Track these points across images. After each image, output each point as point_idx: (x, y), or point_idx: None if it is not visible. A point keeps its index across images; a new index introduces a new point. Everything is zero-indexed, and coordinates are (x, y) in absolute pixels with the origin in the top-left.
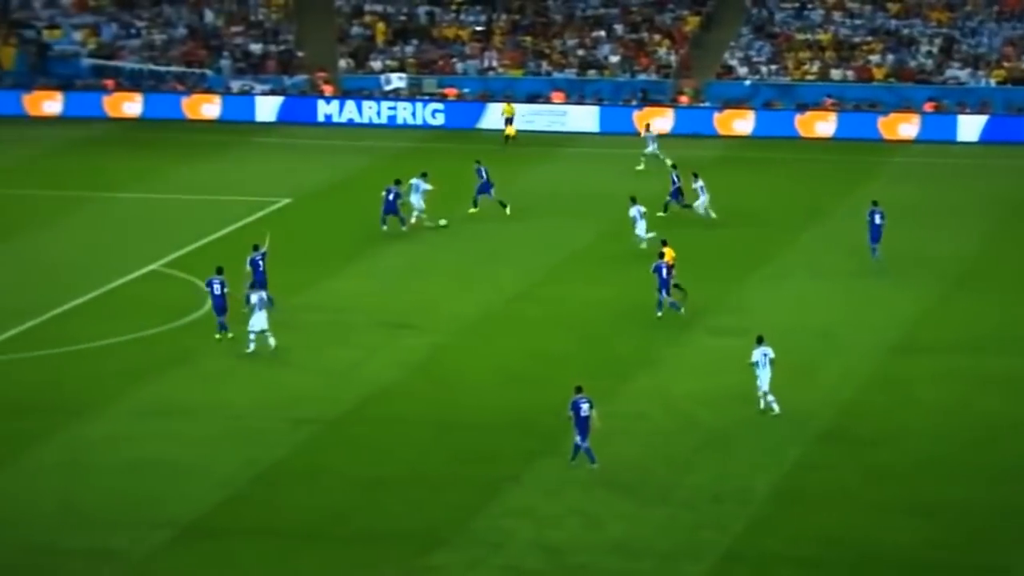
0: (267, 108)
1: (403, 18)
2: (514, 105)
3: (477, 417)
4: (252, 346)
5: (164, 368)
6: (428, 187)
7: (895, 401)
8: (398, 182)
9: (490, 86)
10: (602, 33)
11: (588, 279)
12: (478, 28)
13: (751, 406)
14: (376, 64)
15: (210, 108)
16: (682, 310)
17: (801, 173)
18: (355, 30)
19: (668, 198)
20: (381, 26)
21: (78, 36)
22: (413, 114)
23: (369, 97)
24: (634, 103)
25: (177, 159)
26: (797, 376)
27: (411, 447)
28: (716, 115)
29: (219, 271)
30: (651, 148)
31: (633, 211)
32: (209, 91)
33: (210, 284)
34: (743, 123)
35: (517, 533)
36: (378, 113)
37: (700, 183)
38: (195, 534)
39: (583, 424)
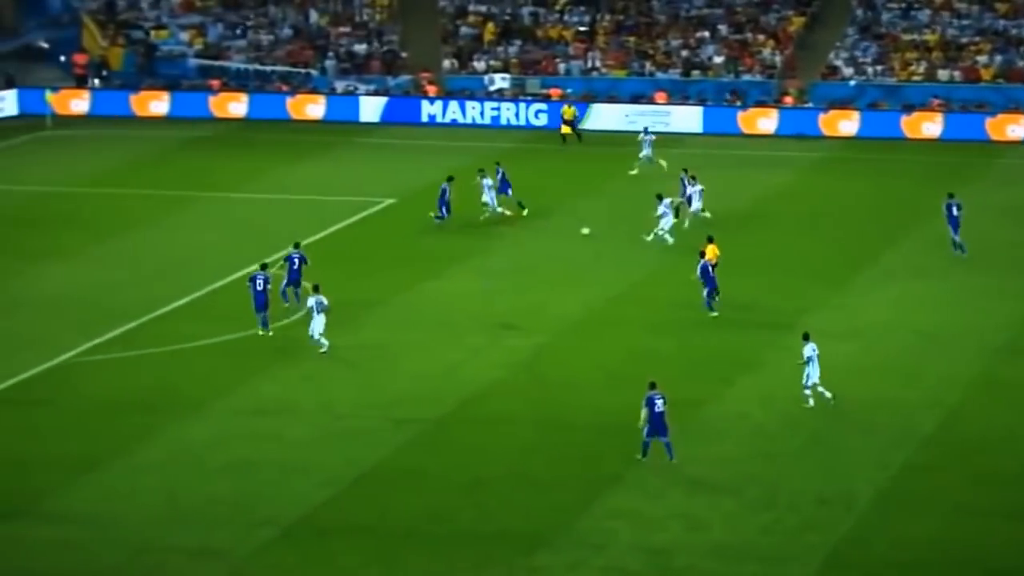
0: (371, 108)
1: (507, 18)
2: (574, 107)
3: (579, 417)
4: (325, 346)
5: (268, 368)
6: (491, 182)
7: (1001, 404)
8: (451, 179)
9: (593, 86)
10: (706, 34)
11: (693, 280)
12: (582, 28)
13: (856, 408)
14: (480, 65)
15: (315, 108)
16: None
17: (907, 174)
18: (459, 31)
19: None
20: (491, 26)
21: (185, 37)
22: (516, 115)
23: (472, 98)
24: (738, 104)
25: (281, 159)
26: (902, 378)
27: (513, 447)
28: (821, 116)
29: (263, 267)
30: (646, 152)
31: (661, 207)
32: (314, 91)
33: (253, 280)
34: (848, 124)
35: (619, 534)
36: (481, 114)
37: (698, 187)
38: (298, 533)
39: (658, 420)
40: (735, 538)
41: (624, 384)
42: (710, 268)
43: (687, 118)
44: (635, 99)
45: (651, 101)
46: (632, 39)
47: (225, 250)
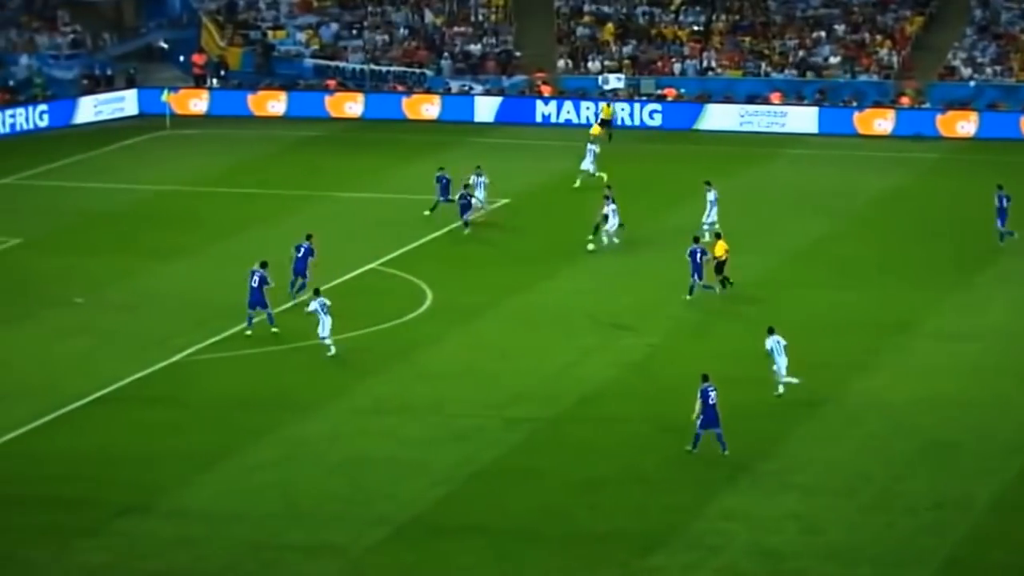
0: (486, 109)
1: (622, 18)
2: (612, 106)
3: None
4: (333, 349)
5: (383, 366)
6: (486, 180)
7: None
8: (441, 169)
9: (709, 87)
10: (822, 34)
11: (808, 281)
12: (697, 28)
13: (975, 411)
14: (594, 65)
15: (430, 108)
16: (716, 291)
17: None
18: (575, 31)
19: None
20: (610, 27)
21: (302, 37)
22: (631, 115)
23: (586, 98)
24: (854, 105)
25: (396, 159)
26: (1021, 381)
27: (627, 447)
28: (939, 117)
29: (263, 264)
30: (588, 162)
31: (711, 195)
32: (429, 91)
33: (252, 275)
34: (966, 125)
35: (734, 536)
36: (596, 114)
37: (612, 206)
38: (412, 531)
39: (711, 411)
40: (850, 541)
41: (736, 385)
42: (699, 255)
43: (803, 119)
44: (750, 99)
45: (766, 102)
46: (748, 39)
47: (340, 249)
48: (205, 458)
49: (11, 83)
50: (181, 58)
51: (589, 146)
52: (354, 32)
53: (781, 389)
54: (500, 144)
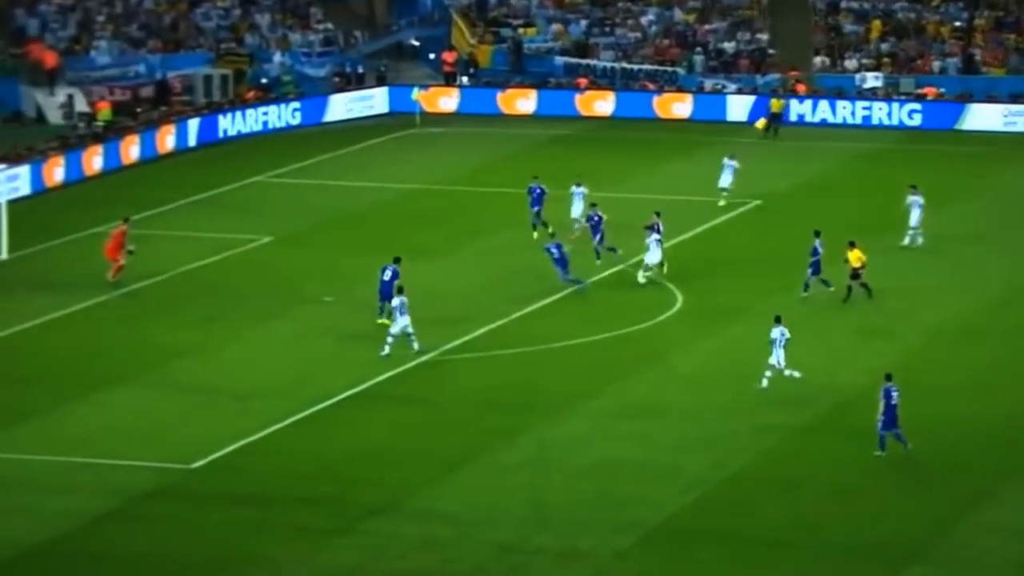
0: (739, 107)
1: (880, 15)
2: (784, 100)
3: (949, 427)
4: (387, 348)
5: (633, 369)
6: (586, 191)
7: None
8: (535, 178)
9: (970, 85)
10: None
11: None
12: (958, 25)
13: None
14: (851, 63)
15: (681, 107)
16: (830, 288)
17: None
18: (836, 28)
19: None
20: (877, 23)
21: (552, 34)
22: (889, 114)
23: (843, 96)
24: None
25: (647, 158)
26: None
27: (882, 456)
28: None
29: (396, 261)
30: (726, 178)
31: (911, 199)
32: (681, 90)
33: (383, 270)
34: None
35: (995, 551)
36: (852, 113)
37: (656, 237)
38: (661, 537)
39: (891, 412)
40: None
41: (994, 393)
42: (820, 249)
43: None
44: (1014, 99)
45: None
46: (1012, 37)
47: (589, 251)
48: (454, 459)
49: (264, 81)
50: (431, 56)
51: (727, 162)
52: (605, 29)
53: (765, 383)
54: (753, 144)
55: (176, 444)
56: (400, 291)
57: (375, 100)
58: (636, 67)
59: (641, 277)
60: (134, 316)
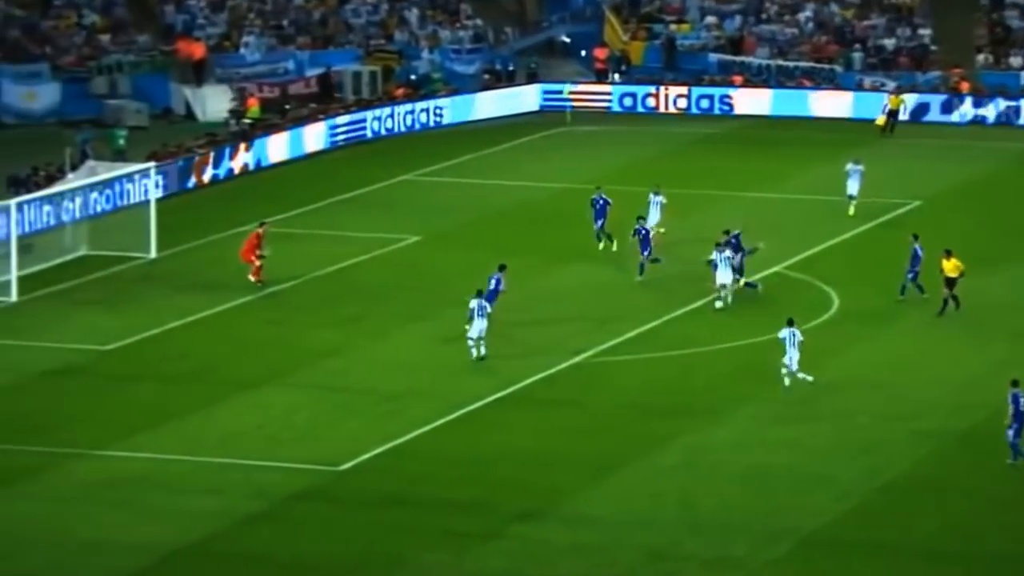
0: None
1: None
2: (903, 98)
3: None
4: (474, 352)
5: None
6: (664, 200)
7: None
8: (598, 188)
9: None
10: None
11: None
12: None
13: None
14: (1016, 60)
15: (839, 105)
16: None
17: None
18: (995, 24)
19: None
20: None
21: (706, 31)
22: None
23: (1007, 96)
24: None
25: (802, 158)
26: None
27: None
28: None
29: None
30: (853, 186)
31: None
32: (838, 88)
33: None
34: None
35: None
36: (1017, 111)
37: (726, 254)
38: (815, 546)
39: (1021, 419)
40: None
41: None
42: (919, 253)
43: None
44: None
45: None
46: None
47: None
48: (604, 463)
49: (412, 78)
50: (583, 52)
51: (852, 167)
52: (760, 26)
53: (787, 382)
54: (913, 143)
55: (324, 445)
56: (480, 294)
57: (525, 98)
58: (792, 64)
59: (717, 303)
60: (281, 316)
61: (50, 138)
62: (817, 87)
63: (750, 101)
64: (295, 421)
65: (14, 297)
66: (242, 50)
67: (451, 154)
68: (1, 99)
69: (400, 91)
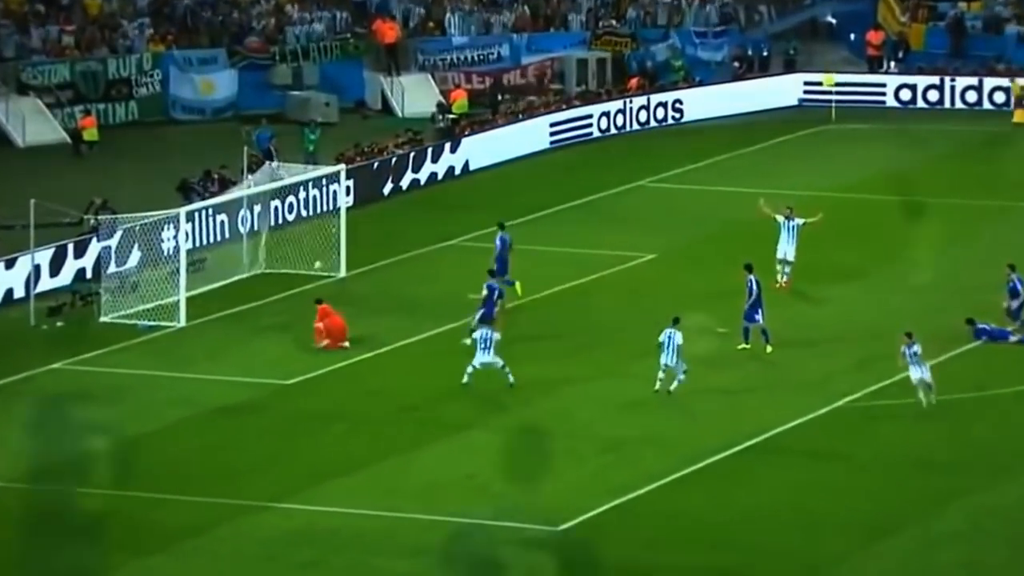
0: None
1: None
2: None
3: None
4: (658, 384)
5: None
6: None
7: None
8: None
9: None
10: None
11: None
12: None
13: None
14: None
15: None
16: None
17: None
18: None
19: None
20: None
21: (1004, 8)
22: None
23: None
24: None
25: None
26: None
27: None
28: None
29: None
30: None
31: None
32: None
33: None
34: None
35: None
36: None
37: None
38: None
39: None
40: None
41: None
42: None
43: None
44: None
45: None
46: None
47: None
48: (874, 526)
49: (649, 65)
50: (852, 36)
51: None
52: None
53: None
54: None
55: (540, 499)
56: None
57: (782, 90)
58: None
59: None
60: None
61: (225, 135)
62: None
63: None
64: (505, 471)
65: (182, 321)
66: (450, 33)
67: (693, 156)
68: (170, 90)
69: (633, 82)
